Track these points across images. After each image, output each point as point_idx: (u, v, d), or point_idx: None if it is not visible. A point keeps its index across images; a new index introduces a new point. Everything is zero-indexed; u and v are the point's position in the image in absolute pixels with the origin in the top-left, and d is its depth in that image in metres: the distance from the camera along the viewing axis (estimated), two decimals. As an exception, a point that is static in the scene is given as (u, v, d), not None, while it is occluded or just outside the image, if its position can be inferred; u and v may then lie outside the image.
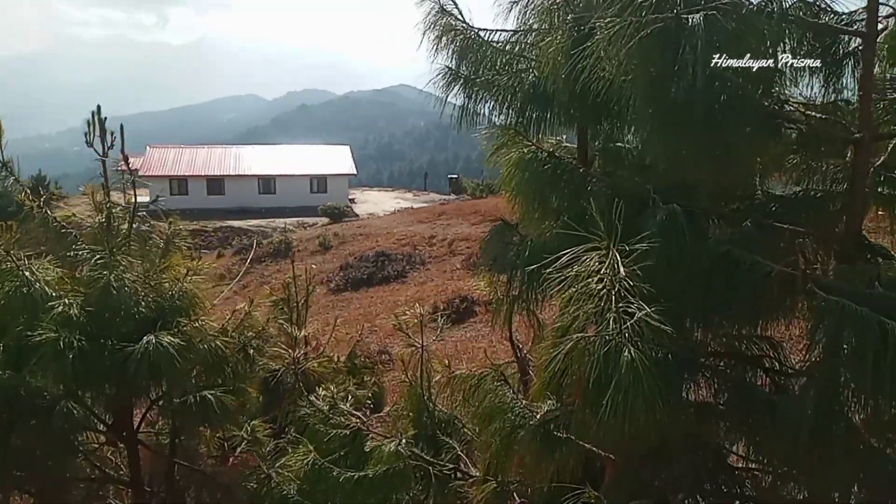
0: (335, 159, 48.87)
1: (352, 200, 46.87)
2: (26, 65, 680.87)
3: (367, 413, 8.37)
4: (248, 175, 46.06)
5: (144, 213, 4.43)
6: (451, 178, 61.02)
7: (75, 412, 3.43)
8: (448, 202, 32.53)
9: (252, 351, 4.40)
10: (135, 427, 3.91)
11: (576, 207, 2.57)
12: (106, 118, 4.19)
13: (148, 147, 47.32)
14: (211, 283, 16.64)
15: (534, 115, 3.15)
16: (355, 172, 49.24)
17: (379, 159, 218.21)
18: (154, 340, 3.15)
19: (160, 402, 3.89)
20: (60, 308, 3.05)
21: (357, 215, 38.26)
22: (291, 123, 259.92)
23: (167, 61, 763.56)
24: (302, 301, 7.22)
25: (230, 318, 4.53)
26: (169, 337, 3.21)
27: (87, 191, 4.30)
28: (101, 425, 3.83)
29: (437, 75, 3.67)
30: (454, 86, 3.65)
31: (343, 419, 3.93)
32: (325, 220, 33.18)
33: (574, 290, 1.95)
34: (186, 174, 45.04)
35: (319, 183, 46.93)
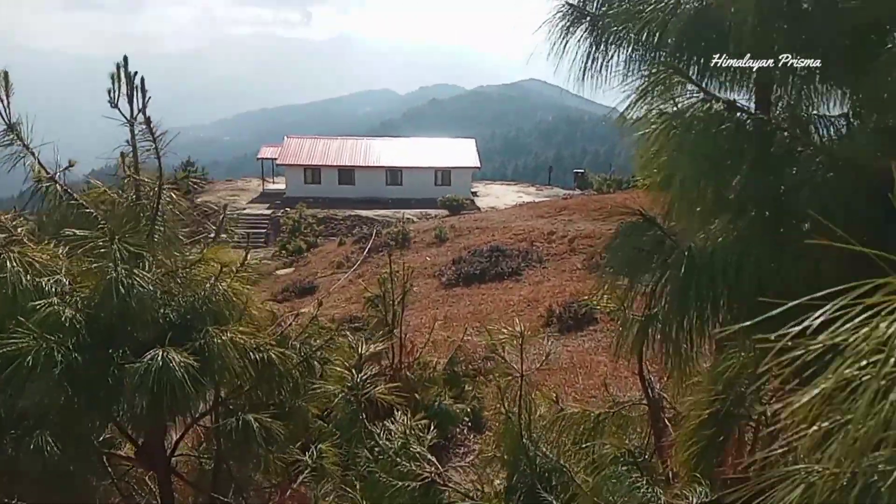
0: (460, 152, 48.65)
1: (474, 194, 46.43)
2: (186, 61, 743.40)
3: (464, 431, 7.54)
4: (376, 166, 46.95)
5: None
6: (577, 172, 59.11)
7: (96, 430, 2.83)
8: (571, 197, 31.03)
9: (318, 364, 3.63)
10: (168, 450, 3.26)
11: (778, 197, 1.53)
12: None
13: (286, 137, 49.38)
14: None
15: (697, 59, 2.08)
16: (479, 165, 48.72)
17: (504, 153, 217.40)
18: (160, 357, 2.44)
19: (199, 423, 3.24)
20: (48, 309, 2.40)
21: (478, 208, 37.72)
22: (422, 117, 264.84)
23: (310, 57, 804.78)
24: (398, 299, 6.46)
25: (291, 325, 3.77)
26: (183, 354, 2.49)
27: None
28: (128, 446, 3.25)
29: (554, 14, 2.68)
30: (576, 29, 2.65)
31: (414, 466, 3.03)
32: (445, 212, 32.79)
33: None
34: (320, 164, 46.63)
35: (444, 175, 46.94)
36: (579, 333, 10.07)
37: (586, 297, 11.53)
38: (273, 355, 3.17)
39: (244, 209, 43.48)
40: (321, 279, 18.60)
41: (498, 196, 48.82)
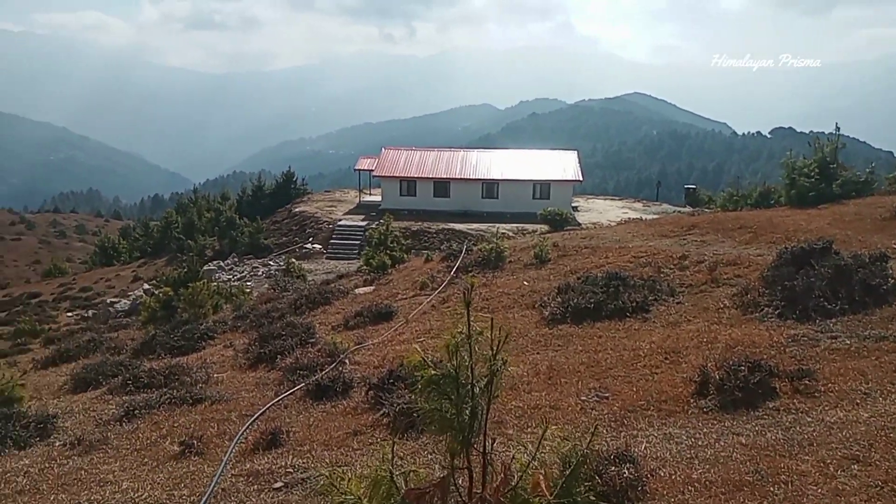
0: (560, 165, 45.99)
1: (575, 208, 43.44)
2: (297, 78, 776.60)
3: None
4: (472, 179, 45.68)
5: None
6: (688, 188, 54.92)
7: None
8: (697, 213, 27.14)
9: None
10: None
11: None
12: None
13: (383, 149, 48.78)
14: (411, 292, 13.35)
15: None
16: (581, 179, 45.57)
17: (606, 168, 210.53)
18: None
19: None
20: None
21: (580, 224, 34.58)
22: (521, 131, 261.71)
23: (413, 73, 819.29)
24: (483, 381, 3.63)
25: None
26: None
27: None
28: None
29: None
30: None
31: None
32: (545, 227, 29.70)
33: None
34: (415, 176, 45.97)
35: (542, 189, 44.59)
36: (754, 413, 6.82)
37: (757, 351, 8.25)
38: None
39: (339, 220, 42.62)
40: (401, 302, 16.07)
41: (601, 211, 45.50)
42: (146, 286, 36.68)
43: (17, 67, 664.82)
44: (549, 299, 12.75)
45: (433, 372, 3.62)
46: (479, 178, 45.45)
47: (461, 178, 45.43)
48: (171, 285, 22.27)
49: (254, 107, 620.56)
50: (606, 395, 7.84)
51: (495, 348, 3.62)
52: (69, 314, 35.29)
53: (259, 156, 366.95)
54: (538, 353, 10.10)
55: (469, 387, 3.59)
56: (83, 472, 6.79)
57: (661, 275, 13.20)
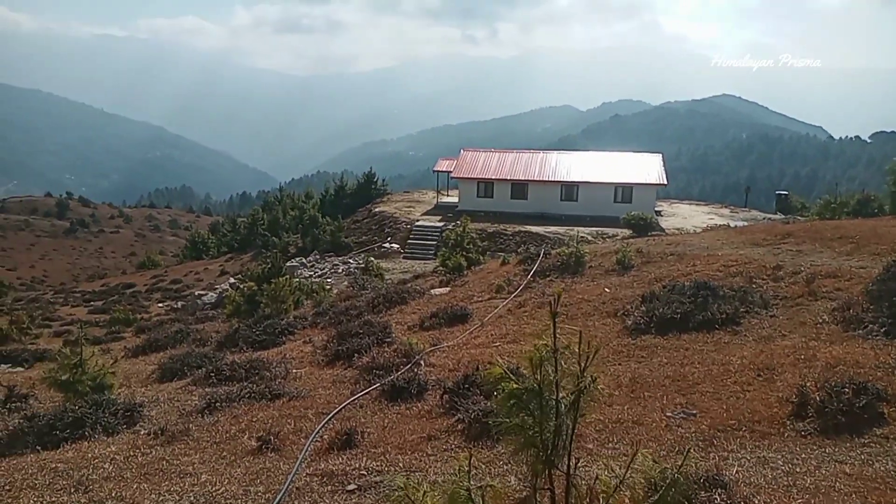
0: (643, 168, 44.72)
1: (658, 213, 42.07)
2: (379, 80, 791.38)
3: None
4: (551, 181, 45.08)
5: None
6: (780, 194, 52.40)
7: None
8: (790, 221, 25.70)
9: None
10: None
11: None
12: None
13: (461, 151, 48.86)
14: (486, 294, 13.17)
15: None
16: (665, 182, 44.10)
17: (691, 171, 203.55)
18: None
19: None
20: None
21: (663, 229, 33.41)
22: (602, 133, 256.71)
23: (494, 74, 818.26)
24: (570, 397, 3.41)
25: None
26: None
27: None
28: None
29: None
30: None
31: None
32: (627, 231, 28.87)
33: None
34: (493, 177, 45.84)
35: (624, 192, 43.51)
36: (859, 440, 6.25)
37: (862, 372, 7.61)
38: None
39: (417, 221, 43.04)
40: (476, 304, 15.90)
41: (685, 217, 43.94)
42: (232, 280, 38.13)
43: (121, 69, 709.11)
44: (632, 308, 12.28)
45: (515, 385, 3.43)
46: (558, 180, 44.80)
47: (539, 180, 44.91)
48: (255, 280, 22.92)
49: (337, 108, 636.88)
50: (694, 412, 7.40)
51: (583, 364, 3.39)
52: (160, 305, 37.11)
53: (342, 156, 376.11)
54: (620, 365, 9.70)
55: (554, 403, 3.38)
56: (165, 462, 6.98)
57: (754, 285, 12.46)
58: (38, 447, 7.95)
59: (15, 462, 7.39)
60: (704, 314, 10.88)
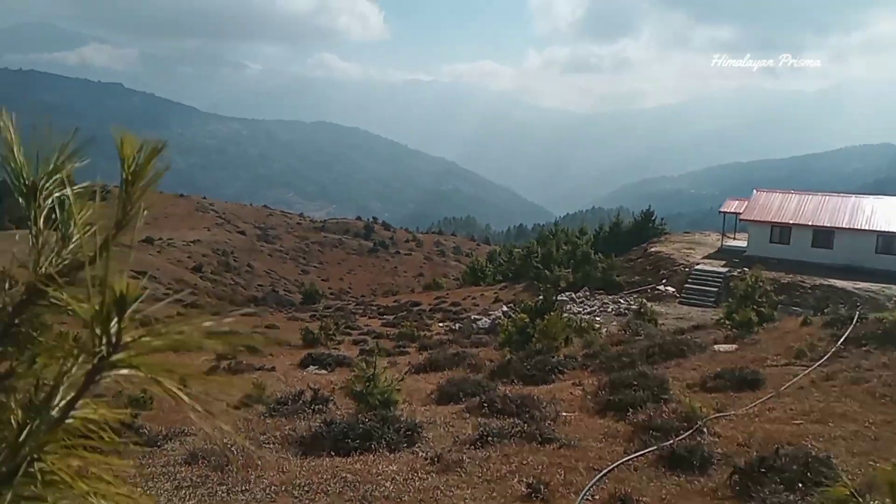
0: None
1: None
2: (663, 116, 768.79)
3: None
4: (864, 230, 38.69)
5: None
6: None
7: None
8: None
9: None
10: None
11: None
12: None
13: (755, 191, 44.94)
14: (783, 359, 11.49)
15: None
16: None
17: None
18: None
19: None
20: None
21: None
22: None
23: (795, 109, 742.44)
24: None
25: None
26: None
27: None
28: None
29: None
30: None
31: None
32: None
33: None
34: (790, 222, 41.16)
35: (961, 248, 35.60)
36: None
37: None
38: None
39: (697, 264, 40.30)
40: (770, 369, 14.07)
41: None
42: (504, 308, 39.52)
43: (424, 110, 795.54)
44: None
45: None
46: (874, 229, 38.59)
47: (849, 228, 39.16)
48: (528, 313, 23.36)
49: (616, 144, 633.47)
50: None
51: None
52: (440, 324, 39.91)
53: (618, 192, 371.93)
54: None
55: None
56: (439, 492, 7.21)
57: None
58: (332, 452, 8.82)
59: (314, 464, 8.27)
60: None
